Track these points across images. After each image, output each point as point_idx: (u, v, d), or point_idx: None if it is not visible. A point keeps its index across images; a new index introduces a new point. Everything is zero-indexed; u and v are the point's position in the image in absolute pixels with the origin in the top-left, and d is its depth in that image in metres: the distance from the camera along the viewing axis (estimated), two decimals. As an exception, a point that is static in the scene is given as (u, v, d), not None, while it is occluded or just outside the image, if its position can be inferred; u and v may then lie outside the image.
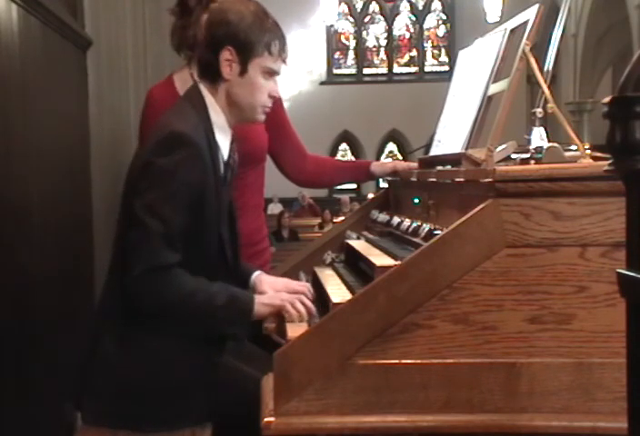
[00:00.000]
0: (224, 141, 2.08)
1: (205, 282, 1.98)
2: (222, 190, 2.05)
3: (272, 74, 2.09)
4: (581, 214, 1.70)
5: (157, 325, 1.98)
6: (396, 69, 19.26)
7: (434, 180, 2.16)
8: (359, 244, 2.51)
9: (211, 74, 2.07)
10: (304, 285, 2.25)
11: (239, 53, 2.04)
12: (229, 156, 2.10)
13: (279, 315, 2.11)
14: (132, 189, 1.99)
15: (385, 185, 3.06)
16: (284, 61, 2.13)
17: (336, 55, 19.28)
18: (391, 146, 18.97)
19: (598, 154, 1.92)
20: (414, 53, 19.30)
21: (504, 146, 2.06)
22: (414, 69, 19.22)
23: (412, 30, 19.38)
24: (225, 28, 2.04)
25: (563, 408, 1.67)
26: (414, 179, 2.45)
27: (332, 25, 18.27)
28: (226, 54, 2.04)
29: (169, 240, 1.92)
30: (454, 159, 2.12)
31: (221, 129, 2.07)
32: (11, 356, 2.85)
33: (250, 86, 2.06)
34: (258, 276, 2.26)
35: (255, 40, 2.04)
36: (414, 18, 19.32)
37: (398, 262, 1.83)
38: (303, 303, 2.05)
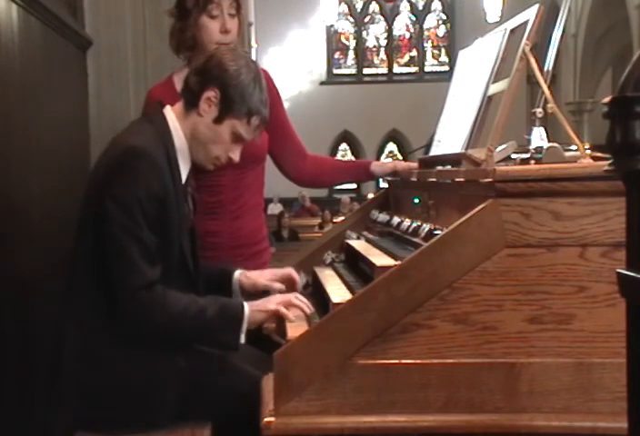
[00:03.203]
0: (183, 165, 2.07)
1: (193, 297, 2.00)
2: (182, 205, 2.04)
3: (240, 140, 2.10)
4: (581, 214, 1.70)
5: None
6: (396, 69, 19.27)
7: (434, 180, 2.16)
8: (359, 244, 2.50)
9: (191, 99, 2.06)
10: (289, 271, 2.28)
11: (222, 101, 2.04)
12: (186, 182, 2.09)
13: (277, 317, 2.11)
14: (95, 206, 1.96)
15: (385, 185, 3.06)
16: (255, 137, 2.14)
17: (336, 55, 19.29)
18: (391, 146, 18.97)
19: (598, 154, 1.92)
20: (414, 53, 19.30)
21: (504, 146, 2.05)
22: (414, 69, 19.23)
23: (412, 30, 19.39)
24: (221, 72, 2.04)
25: (563, 408, 1.67)
26: (414, 179, 2.45)
27: (332, 25, 18.28)
28: (211, 94, 2.04)
29: (148, 256, 1.94)
30: (454, 159, 2.12)
31: (182, 153, 2.06)
32: (11, 356, 2.84)
33: (216, 136, 2.06)
34: (242, 273, 2.27)
35: (241, 101, 2.04)
36: (414, 18, 19.32)
37: (398, 262, 1.83)
38: (298, 299, 2.06)
